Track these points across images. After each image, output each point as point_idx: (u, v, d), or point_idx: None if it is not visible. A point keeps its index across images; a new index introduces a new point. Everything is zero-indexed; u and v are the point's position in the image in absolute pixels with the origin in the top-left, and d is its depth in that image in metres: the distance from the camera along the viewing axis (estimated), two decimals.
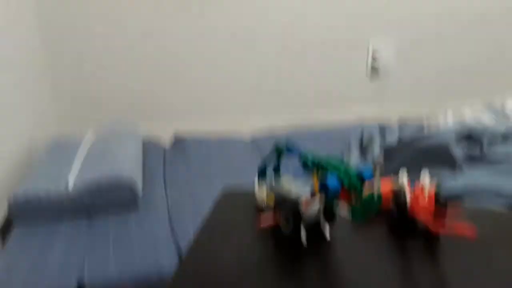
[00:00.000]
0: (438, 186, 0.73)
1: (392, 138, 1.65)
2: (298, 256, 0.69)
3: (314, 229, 0.70)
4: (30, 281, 1.09)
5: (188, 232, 1.14)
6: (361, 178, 0.67)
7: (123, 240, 1.19)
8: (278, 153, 0.81)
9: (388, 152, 1.52)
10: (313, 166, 0.72)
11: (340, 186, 0.67)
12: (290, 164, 0.84)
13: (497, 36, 2.49)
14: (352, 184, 0.66)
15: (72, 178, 1.33)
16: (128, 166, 1.40)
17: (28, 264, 1.13)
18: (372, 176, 0.67)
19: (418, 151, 1.36)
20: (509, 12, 2.46)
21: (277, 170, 0.84)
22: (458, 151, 1.31)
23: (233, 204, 0.85)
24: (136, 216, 1.29)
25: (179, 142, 1.90)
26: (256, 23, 2.21)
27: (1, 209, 1.36)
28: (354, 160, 1.64)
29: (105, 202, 1.29)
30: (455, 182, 1.19)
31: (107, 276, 1.10)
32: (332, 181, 0.67)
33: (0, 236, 1.33)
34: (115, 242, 1.18)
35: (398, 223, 0.73)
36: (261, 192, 0.81)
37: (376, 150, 1.61)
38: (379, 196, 0.66)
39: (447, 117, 1.73)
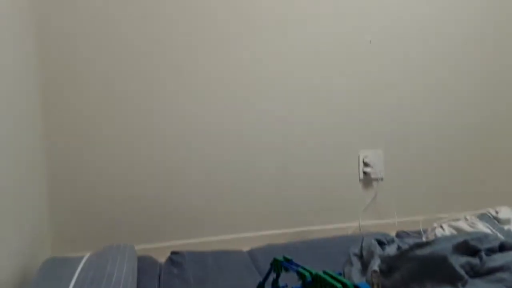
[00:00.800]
0: None
1: (391, 249, 1.64)
2: None
3: None
4: None
5: None
6: None
7: None
8: (276, 269, 0.81)
9: (388, 264, 1.50)
10: (312, 282, 0.71)
11: None
12: (288, 279, 0.83)
13: (486, 146, 2.62)
14: None
15: None
16: None
17: None
18: None
19: (418, 262, 1.34)
20: (496, 119, 2.62)
21: (277, 287, 0.83)
22: (457, 261, 1.30)
23: None
24: None
25: (175, 257, 1.86)
26: (255, 139, 2.31)
27: None
28: (355, 273, 1.60)
29: None
30: None
31: None
32: None
33: None
34: None
35: None
36: None
37: (376, 262, 1.59)
38: None
39: (443, 226, 1.73)
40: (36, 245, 1.89)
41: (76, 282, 1.42)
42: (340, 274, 0.75)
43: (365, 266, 1.65)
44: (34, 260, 1.77)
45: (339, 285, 0.68)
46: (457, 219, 1.75)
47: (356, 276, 1.56)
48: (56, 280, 1.45)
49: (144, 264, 1.72)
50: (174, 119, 2.19)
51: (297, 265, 0.78)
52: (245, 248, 1.94)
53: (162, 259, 1.90)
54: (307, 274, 0.73)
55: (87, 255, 1.65)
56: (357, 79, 2.39)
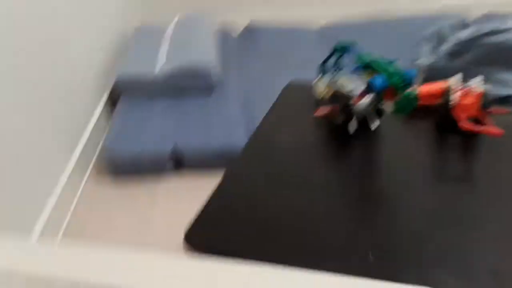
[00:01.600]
0: (486, 89, 0.80)
1: (467, 33, 1.62)
2: (345, 142, 0.83)
3: (362, 122, 0.82)
4: (136, 145, 1.38)
5: (257, 115, 1.31)
6: (406, 79, 0.77)
7: (204, 118, 1.44)
8: (338, 53, 0.91)
9: (460, 46, 1.52)
10: (366, 67, 0.82)
11: (386, 85, 0.77)
12: (349, 62, 0.94)
13: None
14: (395, 83, 0.76)
15: (160, 64, 1.56)
16: (206, 54, 1.58)
17: (134, 128, 1.44)
18: (416, 77, 0.76)
19: (488, 48, 1.35)
20: None
21: (337, 67, 0.94)
22: None
23: (296, 96, 0.99)
24: (214, 99, 1.51)
25: (251, 32, 1.99)
26: None
27: (104, 84, 1.64)
28: (424, 55, 1.65)
29: (188, 85, 1.52)
30: None
31: (193, 145, 1.37)
32: (379, 81, 0.77)
33: (110, 105, 1.63)
34: (198, 120, 1.44)
35: (440, 120, 0.83)
36: (321, 87, 0.93)
37: (448, 46, 1.60)
38: (416, 95, 0.76)
39: None
40: (127, 9, 2.09)
41: (168, 50, 1.65)
42: (392, 62, 0.82)
43: (437, 48, 1.67)
44: (127, 23, 2.00)
45: (390, 69, 0.78)
46: None
47: (426, 59, 1.61)
48: (150, 46, 1.69)
49: (224, 38, 1.88)
50: None
51: (357, 51, 0.86)
52: (322, 21, 1.99)
53: (239, 25, 2.03)
54: (363, 59, 0.82)
55: (174, 26, 1.83)
56: None
